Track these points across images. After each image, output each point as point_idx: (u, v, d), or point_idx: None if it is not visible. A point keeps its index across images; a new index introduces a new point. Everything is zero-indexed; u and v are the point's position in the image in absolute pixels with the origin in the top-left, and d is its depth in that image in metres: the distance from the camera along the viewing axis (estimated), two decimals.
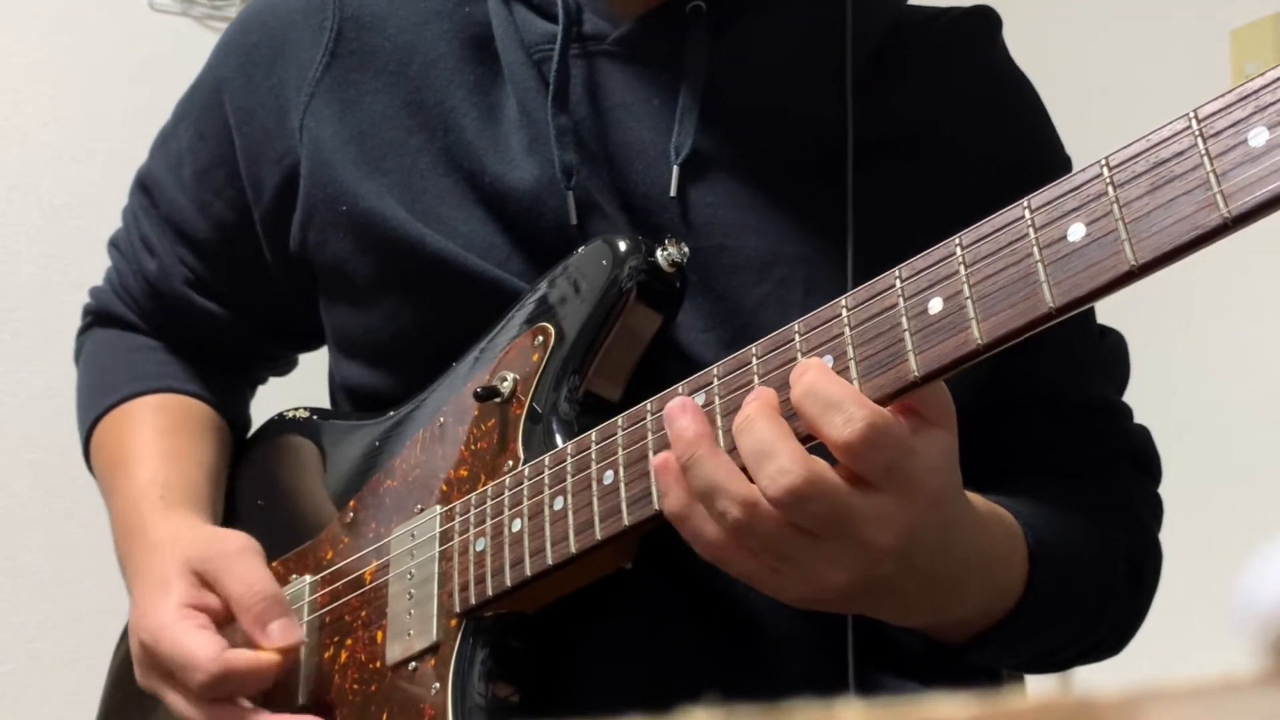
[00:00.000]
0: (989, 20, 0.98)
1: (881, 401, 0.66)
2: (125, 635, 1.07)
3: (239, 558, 0.90)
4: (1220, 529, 1.76)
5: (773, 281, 0.87)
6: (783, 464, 0.65)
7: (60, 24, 2.13)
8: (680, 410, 0.70)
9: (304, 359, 1.17)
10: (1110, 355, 0.97)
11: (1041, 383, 0.91)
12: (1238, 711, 0.28)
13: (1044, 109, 0.98)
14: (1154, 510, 0.95)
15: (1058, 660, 0.89)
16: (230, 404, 1.10)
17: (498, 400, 0.87)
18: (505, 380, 0.87)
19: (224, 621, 0.89)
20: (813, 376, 0.66)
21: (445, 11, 0.94)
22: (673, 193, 0.88)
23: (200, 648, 0.86)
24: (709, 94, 0.89)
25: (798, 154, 0.89)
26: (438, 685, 0.84)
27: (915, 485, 0.66)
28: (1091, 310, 0.97)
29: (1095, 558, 0.86)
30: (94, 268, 1.17)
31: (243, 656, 0.86)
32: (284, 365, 1.17)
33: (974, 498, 0.76)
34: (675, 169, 0.88)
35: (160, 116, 1.11)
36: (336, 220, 0.93)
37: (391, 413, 0.96)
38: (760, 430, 0.66)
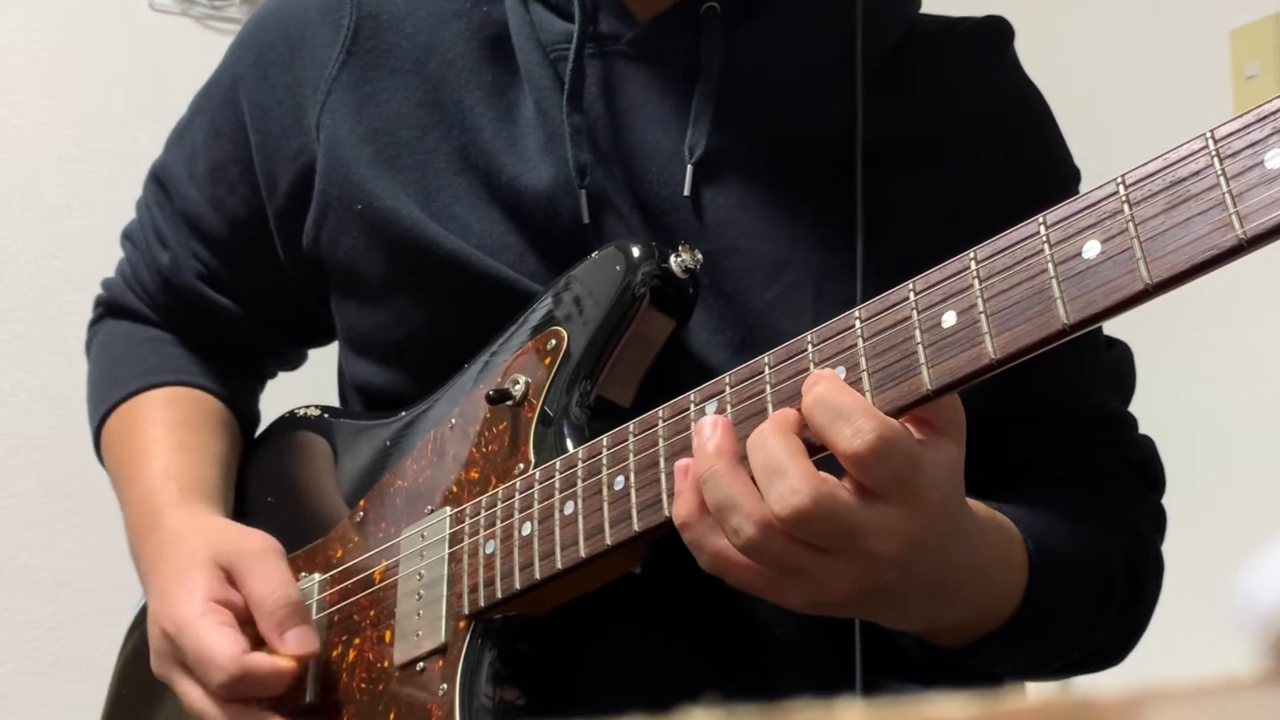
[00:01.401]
0: (1001, 31, 0.98)
1: (893, 414, 0.66)
2: (133, 628, 1.08)
3: (263, 558, 0.91)
4: (1220, 530, 1.77)
5: (783, 285, 0.87)
6: (792, 483, 0.66)
7: (60, 24, 2.13)
8: (711, 425, 0.71)
9: (315, 356, 1.18)
10: (1116, 366, 0.97)
11: (1047, 394, 0.92)
12: (1238, 711, 0.28)
13: (1053, 120, 0.98)
14: (1156, 520, 0.95)
15: (1056, 668, 0.90)
16: (240, 398, 1.11)
17: (509, 403, 0.87)
18: (517, 383, 0.87)
19: (245, 620, 0.90)
20: (824, 387, 0.67)
21: (463, 11, 0.94)
22: (686, 192, 0.88)
23: (222, 647, 0.87)
24: (723, 95, 0.89)
25: (810, 157, 0.90)
26: (445, 686, 0.84)
27: (920, 496, 0.67)
28: None
29: (1094, 566, 0.86)
30: (94, 268, 1.17)
31: (262, 661, 0.87)
32: (293, 361, 1.18)
33: (974, 504, 0.76)
34: (689, 169, 0.88)
35: (160, 116, 1.12)
36: (351, 218, 0.94)
37: (403, 413, 0.96)
38: (773, 447, 0.67)
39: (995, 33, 0.97)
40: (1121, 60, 2.20)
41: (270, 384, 1.18)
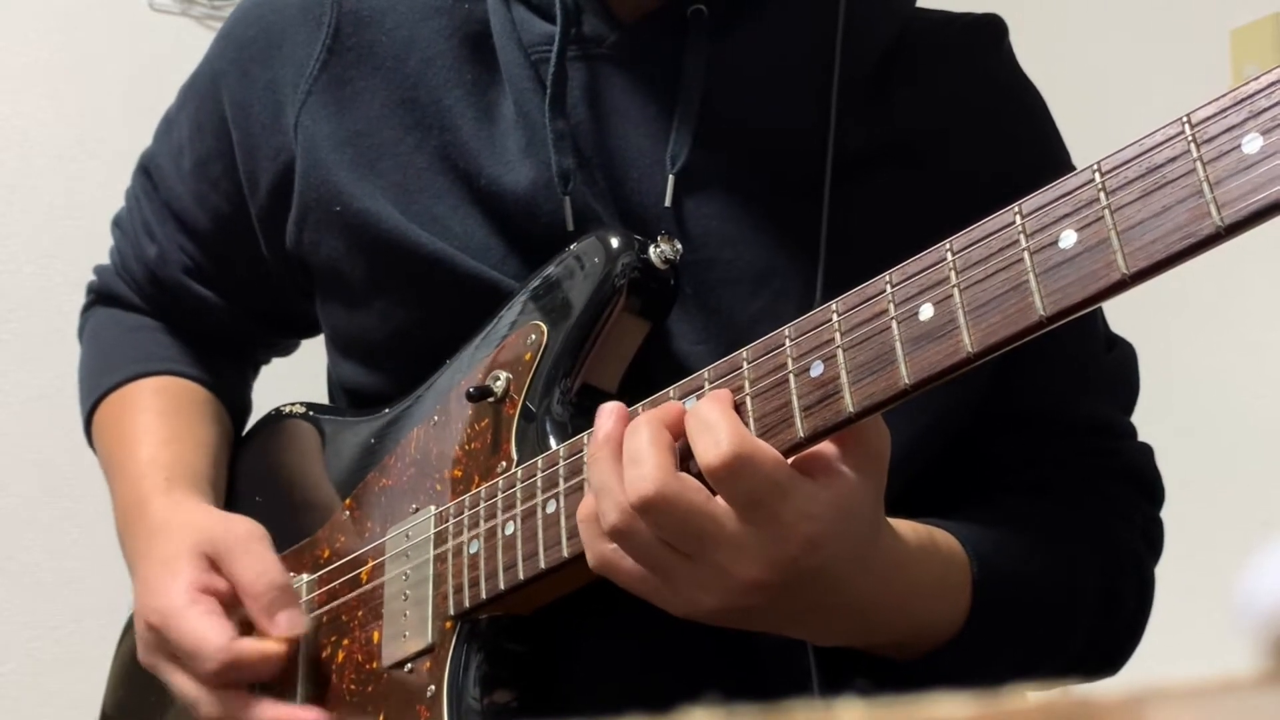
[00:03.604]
0: (995, 28, 0.96)
1: (868, 410, 0.65)
2: (128, 628, 1.07)
3: (249, 543, 0.91)
4: (1220, 530, 1.76)
5: (767, 296, 0.86)
6: (643, 470, 0.67)
7: (60, 24, 2.13)
8: (606, 414, 0.72)
9: (310, 349, 1.17)
10: (1115, 370, 0.96)
11: (1040, 397, 0.90)
12: (1238, 711, 0.28)
13: (1050, 117, 0.96)
14: (1146, 532, 0.93)
15: (1033, 678, 0.89)
16: (230, 387, 1.11)
17: (491, 400, 0.86)
18: (498, 380, 0.86)
19: (230, 605, 0.90)
20: (704, 402, 0.69)
21: (444, 8, 0.93)
22: (667, 203, 0.87)
23: (210, 635, 0.87)
24: (706, 103, 0.87)
25: (794, 166, 0.88)
26: (433, 688, 0.84)
27: (782, 525, 0.67)
28: (1100, 321, 0.96)
29: (1057, 585, 0.85)
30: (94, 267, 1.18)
31: (251, 646, 0.88)
32: (286, 348, 1.18)
33: (909, 532, 0.76)
34: (670, 179, 0.87)
35: (160, 116, 1.12)
36: (330, 220, 0.93)
37: (387, 410, 0.96)
38: (641, 437, 0.69)
39: (989, 30, 0.96)
40: (1121, 60, 2.20)
41: (265, 378, 1.19)
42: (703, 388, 0.73)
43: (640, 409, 0.75)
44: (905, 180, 0.89)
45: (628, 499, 0.68)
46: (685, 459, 0.69)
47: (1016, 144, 0.93)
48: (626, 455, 0.69)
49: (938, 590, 0.79)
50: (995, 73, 0.95)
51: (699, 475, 0.68)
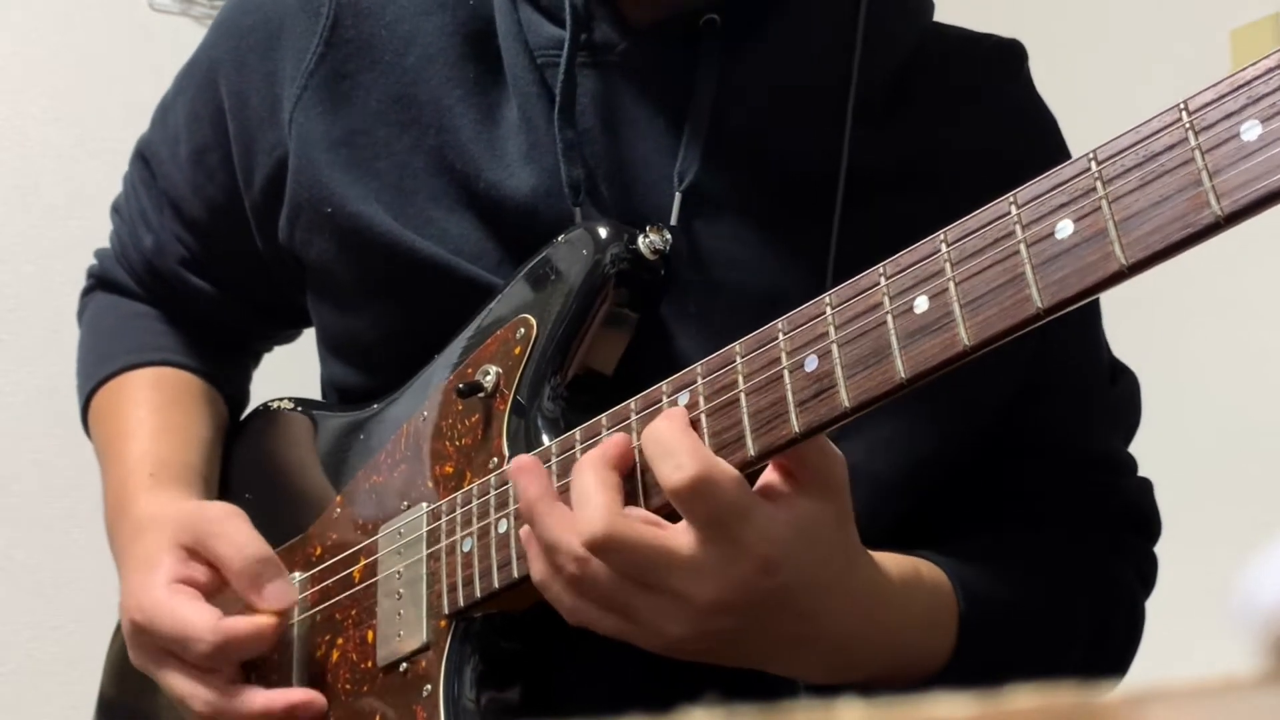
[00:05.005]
0: (1015, 54, 0.95)
1: (864, 405, 0.65)
2: (120, 628, 1.07)
3: (225, 522, 0.90)
4: (1219, 530, 1.76)
5: (773, 317, 0.85)
6: (590, 512, 0.68)
7: (60, 24, 2.13)
8: (518, 471, 0.73)
9: (305, 344, 1.17)
10: (1119, 403, 0.95)
11: (1045, 430, 0.89)
12: (1238, 711, 0.27)
13: (1065, 148, 0.94)
14: (1140, 567, 0.93)
15: None
16: (228, 377, 1.10)
17: (481, 395, 0.86)
18: (488, 375, 0.85)
19: (213, 593, 0.89)
20: (660, 423, 0.70)
21: (447, 4, 0.91)
22: (674, 220, 0.85)
23: (197, 618, 0.86)
24: (716, 117, 0.85)
25: (804, 185, 0.86)
26: (429, 687, 0.83)
27: (741, 547, 0.67)
28: (1105, 349, 0.95)
29: (1047, 620, 0.85)
30: None
31: (241, 622, 0.87)
32: (288, 337, 1.17)
33: (892, 565, 0.76)
34: (677, 196, 0.85)
35: None
36: (322, 221, 0.92)
37: (375, 405, 0.95)
38: (584, 479, 0.70)
39: (1010, 56, 0.94)
40: (1122, 60, 2.20)
41: (262, 375, 1.18)
42: (695, 383, 0.72)
43: (633, 405, 0.75)
44: (917, 204, 0.86)
45: (579, 542, 0.68)
46: (639, 487, 0.70)
47: (1031, 173, 0.91)
48: (574, 499, 0.70)
49: (923, 624, 0.78)
50: (1013, 100, 0.94)
51: (659, 499, 0.69)
